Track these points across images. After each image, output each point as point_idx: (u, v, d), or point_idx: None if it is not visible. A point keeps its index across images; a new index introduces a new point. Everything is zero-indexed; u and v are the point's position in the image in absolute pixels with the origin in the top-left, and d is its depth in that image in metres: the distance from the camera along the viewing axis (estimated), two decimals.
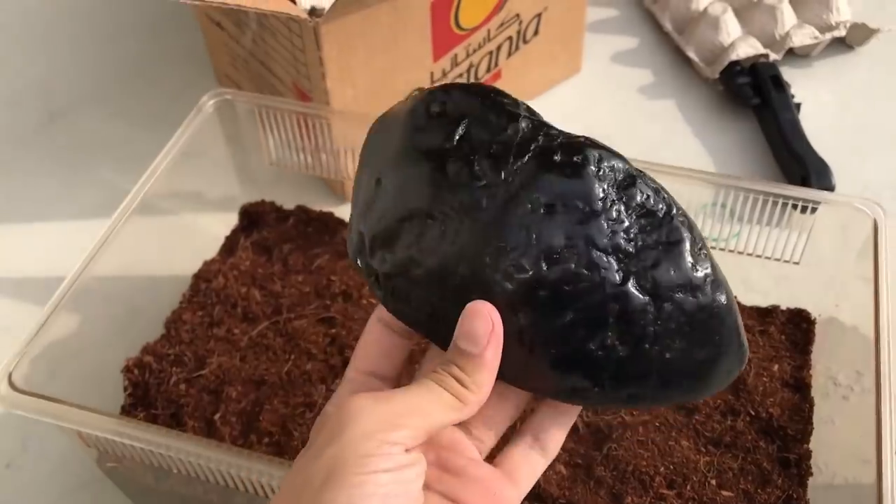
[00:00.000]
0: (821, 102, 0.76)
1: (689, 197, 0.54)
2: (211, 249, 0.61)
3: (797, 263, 0.55)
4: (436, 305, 0.34)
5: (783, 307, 0.56)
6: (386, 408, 0.31)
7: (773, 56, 0.76)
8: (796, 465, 0.48)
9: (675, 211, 0.32)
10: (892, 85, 0.78)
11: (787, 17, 0.78)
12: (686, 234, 0.32)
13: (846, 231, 0.52)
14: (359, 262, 0.36)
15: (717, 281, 0.32)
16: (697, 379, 0.33)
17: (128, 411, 0.51)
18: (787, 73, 0.76)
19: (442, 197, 0.33)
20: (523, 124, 0.33)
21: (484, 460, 0.35)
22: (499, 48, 0.70)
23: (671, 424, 0.49)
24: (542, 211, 0.32)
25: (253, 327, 0.54)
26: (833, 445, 0.50)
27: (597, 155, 0.32)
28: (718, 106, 0.76)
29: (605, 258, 0.31)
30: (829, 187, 0.66)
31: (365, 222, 0.36)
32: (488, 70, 0.70)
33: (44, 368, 0.48)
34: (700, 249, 0.32)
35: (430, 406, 0.32)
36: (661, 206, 0.32)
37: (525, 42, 0.71)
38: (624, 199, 0.32)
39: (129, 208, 0.54)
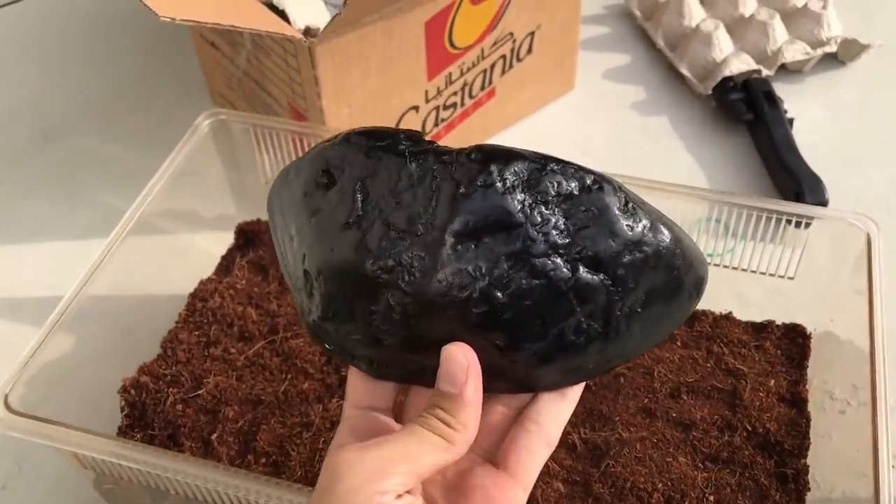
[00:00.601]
0: (813, 117, 0.76)
1: (684, 213, 0.54)
2: (207, 268, 0.61)
3: (791, 278, 0.55)
4: (413, 361, 0.35)
5: (778, 322, 0.56)
6: (374, 457, 0.31)
7: (765, 72, 0.76)
8: (794, 481, 0.48)
9: (588, 181, 0.32)
10: (884, 99, 0.78)
11: (779, 33, 0.79)
12: (608, 199, 0.32)
13: (840, 246, 0.53)
14: (327, 346, 0.36)
15: (653, 225, 0.33)
16: (676, 307, 0.35)
17: (125, 432, 0.51)
18: (780, 89, 0.76)
19: (376, 270, 0.33)
20: (412, 166, 0.33)
21: (485, 460, 0.35)
22: (493, 66, 0.70)
23: (668, 440, 0.49)
24: (472, 246, 0.32)
25: (249, 347, 0.54)
26: (830, 460, 0.50)
27: (496, 169, 0.32)
28: (711, 122, 0.76)
29: (547, 261, 0.32)
30: (823, 202, 0.66)
31: (312, 304, 0.36)
32: (482, 88, 0.71)
33: (40, 389, 0.48)
34: (627, 204, 0.33)
35: (418, 450, 0.32)
36: (573, 183, 0.32)
37: (519, 60, 0.72)
38: (539, 198, 0.32)
39: (125, 228, 0.54)
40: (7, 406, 0.44)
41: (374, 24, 0.59)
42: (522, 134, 0.76)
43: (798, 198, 0.66)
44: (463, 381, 0.32)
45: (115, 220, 0.55)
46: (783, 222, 0.53)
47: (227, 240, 0.64)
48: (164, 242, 0.60)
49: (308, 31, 0.65)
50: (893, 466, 0.53)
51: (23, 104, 0.81)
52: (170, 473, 0.42)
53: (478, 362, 0.33)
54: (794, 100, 0.76)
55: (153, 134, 0.76)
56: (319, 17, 0.67)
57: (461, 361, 0.33)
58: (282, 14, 0.65)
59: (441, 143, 0.59)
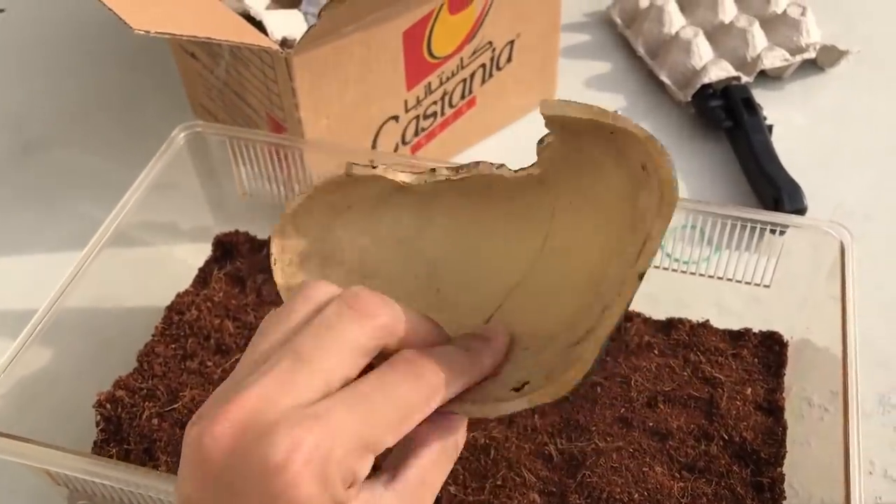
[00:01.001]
0: (793, 124, 0.76)
1: None
2: (184, 281, 0.61)
3: (768, 286, 0.55)
4: None
5: (755, 330, 0.56)
6: None
7: (744, 78, 0.77)
8: (770, 490, 0.48)
9: None
10: (863, 105, 0.78)
11: (758, 40, 0.79)
12: None
13: (815, 254, 0.53)
14: None
15: None
16: None
17: (100, 447, 0.51)
18: (759, 96, 0.76)
19: None
20: None
21: None
22: (472, 76, 0.70)
23: (645, 450, 0.49)
24: None
25: (226, 360, 0.54)
26: (809, 466, 0.50)
27: None
28: (691, 129, 0.77)
29: None
30: (802, 208, 0.66)
31: None
32: (462, 97, 0.71)
33: (15, 403, 0.48)
34: None
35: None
36: None
37: (499, 69, 0.72)
38: None
39: (101, 240, 0.54)
40: None
41: (351, 35, 0.59)
42: (503, 142, 0.76)
43: (777, 204, 0.66)
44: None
45: (95, 233, 0.54)
46: (758, 230, 0.53)
47: (204, 251, 0.63)
48: (141, 254, 0.60)
49: (285, 43, 0.65)
50: (869, 472, 0.54)
51: (2, 117, 0.81)
52: (143, 490, 0.42)
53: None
54: (774, 106, 0.77)
55: (134, 145, 0.76)
56: (297, 28, 0.67)
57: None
58: (259, 25, 0.65)
59: (422, 152, 0.60)
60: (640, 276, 0.35)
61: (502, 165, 0.40)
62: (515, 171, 0.40)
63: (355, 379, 0.31)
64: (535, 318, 0.40)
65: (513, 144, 0.75)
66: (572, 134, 0.37)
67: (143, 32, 0.51)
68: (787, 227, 0.52)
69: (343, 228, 0.42)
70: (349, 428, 0.28)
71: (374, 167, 0.39)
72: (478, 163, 0.40)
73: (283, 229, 0.41)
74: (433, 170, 0.40)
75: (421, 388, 0.32)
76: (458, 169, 0.40)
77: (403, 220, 0.42)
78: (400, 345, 0.33)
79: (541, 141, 0.39)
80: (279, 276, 0.41)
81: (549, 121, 0.37)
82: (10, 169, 0.76)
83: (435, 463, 0.33)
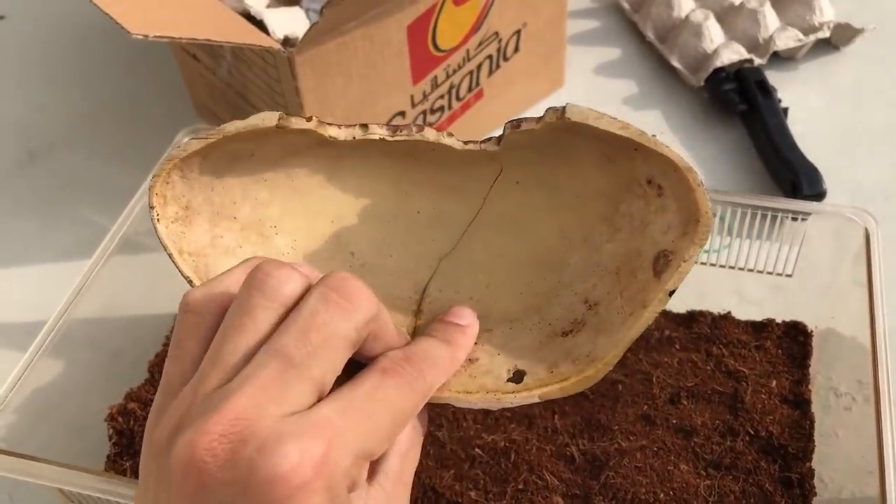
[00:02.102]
0: (808, 105, 0.75)
1: None
2: None
3: (790, 276, 0.54)
4: None
5: (778, 321, 0.55)
6: None
7: (757, 60, 0.75)
8: (799, 485, 0.46)
9: None
10: (880, 84, 0.77)
11: (770, 21, 0.77)
12: None
13: (838, 241, 0.51)
14: None
15: None
16: None
17: (114, 460, 0.50)
18: (773, 77, 0.75)
19: None
20: None
21: None
22: (479, 67, 0.69)
23: (669, 448, 0.48)
24: None
25: None
26: (838, 458, 0.49)
27: None
28: (704, 114, 0.75)
29: None
30: (821, 192, 0.64)
31: None
32: (470, 90, 0.69)
33: (26, 418, 0.48)
34: None
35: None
36: None
37: (506, 59, 0.71)
38: None
39: (108, 248, 0.53)
40: None
41: (354, 31, 0.58)
42: None
43: (795, 189, 0.65)
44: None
45: (102, 240, 0.54)
46: (779, 218, 0.52)
47: None
48: (148, 261, 0.58)
49: (287, 41, 0.63)
50: None
51: (8, 124, 0.80)
52: None
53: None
54: (788, 88, 0.75)
55: (139, 150, 0.75)
56: (298, 26, 0.66)
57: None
58: (260, 24, 0.64)
59: None
60: (670, 294, 0.35)
61: (451, 135, 0.37)
62: (465, 143, 0.37)
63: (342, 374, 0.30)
64: (479, 292, 0.39)
65: None
66: (572, 133, 0.36)
67: (141, 37, 0.50)
68: (808, 214, 0.51)
69: (237, 177, 0.37)
70: (351, 438, 0.27)
71: (308, 119, 0.35)
72: (422, 127, 0.37)
73: (167, 176, 0.35)
74: (365, 126, 0.36)
75: (415, 395, 0.31)
76: (396, 129, 0.36)
77: (314, 175, 0.38)
78: (376, 334, 0.31)
79: (517, 124, 0.36)
80: (165, 238, 0.36)
81: (575, 127, 0.35)
82: (15, 177, 0.75)
83: (409, 453, 0.33)
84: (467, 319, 0.37)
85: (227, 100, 0.69)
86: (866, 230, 0.49)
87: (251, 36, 0.55)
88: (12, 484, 0.55)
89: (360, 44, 0.59)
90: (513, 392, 0.36)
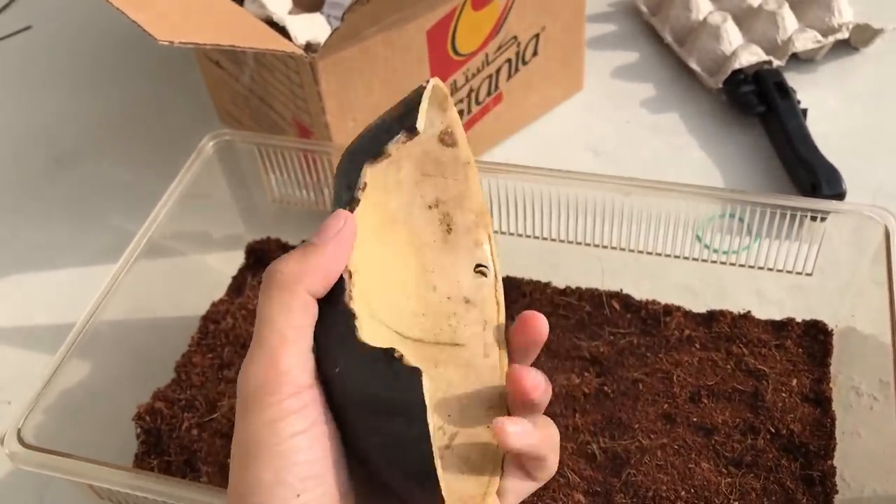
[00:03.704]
0: (827, 107, 0.75)
1: (697, 212, 0.53)
2: (219, 290, 0.61)
3: (810, 274, 0.54)
4: None
5: (798, 319, 0.55)
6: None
7: (776, 62, 0.75)
8: (821, 483, 0.47)
9: None
10: None
11: (789, 22, 0.77)
12: None
13: (858, 239, 0.51)
14: None
15: None
16: None
17: (141, 459, 0.51)
18: (792, 79, 0.75)
19: None
20: None
21: None
22: (498, 71, 0.69)
23: (690, 446, 0.48)
24: None
25: None
26: (859, 457, 0.49)
27: None
28: (723, 116, 0.75)
29: None
30: (841, 193, 0.64)
31: None
32: (489, 94, 0.70)
33: (56, 418, 0.48)
34: None
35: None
36: None
37: (524, 63, 0.71)
38: None
39: (134, 252, 0.54)
40: (21, 440, 0.44)
41: (374, 36, 0.59)
42: (531, 138, 0.75)
43: (815, 190, 0.65)
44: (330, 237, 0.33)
45: (128, 244, 0.55)
46: (798, 218, 0.52)
47: (237, 260, 0.63)
48: (174, 265, 0.60)
49: (309, 47, 0.64)
50: None
51: (36, 132, 0.82)
52: (185, 502, 0.41)
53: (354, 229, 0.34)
54: (807, 90, 0.75)
55: (164, 155, 0.76)
56: (320, 32, 0.66)
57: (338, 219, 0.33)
58: (282, 31, 0.64)
59: None
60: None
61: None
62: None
63: None
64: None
65: (540, 139, 0.75)
66: None
67: (167, 43, 0.51)
68: (828, 213, 0.51)
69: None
70: None
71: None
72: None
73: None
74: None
75: None
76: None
77: None
78: None
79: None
80: None
81: None
82: (42, 184, 0.77)
83: None
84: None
85: (251, 105, 0.70)
86: (886, 228, 0.49)
87: (274, 42, 0.56)
88: (43, 483, 0.56)
89: (381, 49, 0.60)
90: None
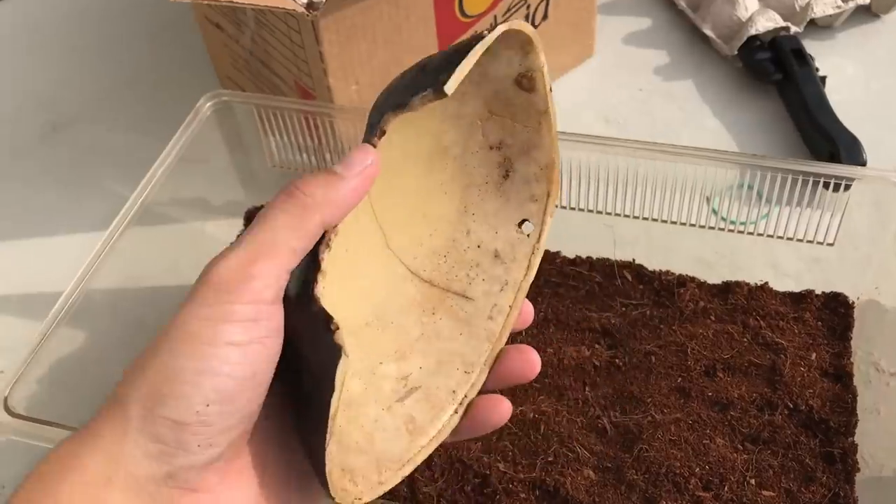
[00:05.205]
0: (846, 75, 0.72)
1: (714, 179, 0.51)
2: None
3: (831, 244, 0.52)
4: None
5: (818, 292, 0.53)
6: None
7: (793, 29, 0.73)
8: (841, 460, 0.45)
9: None
10: None
11: None
12: None
13: (882, 208, 0.49)
14: None
15: None
16: None
17: None
18: (810, 46, 0.72)
19: None
20: None
21: None
22: None
23: (705, 421, 0.46)
24: None
25: None
26: (878, 435, 0.47)
27: None
28: (738, 83, 0.73)
29: None
30: (861, 162, 0.62)
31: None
32: None
33: (46, 388, 0.47)
34: None
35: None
36: None
37: (535, 27, 0.69)
38: None
39: (126, 217, 0.52)
40: (7, 409, 0.42)
41: None
42: None
43: (833, 159, 0.63)
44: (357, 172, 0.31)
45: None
46: (820, 185, 0.49)
47: (236, 226, 0.62)
48: (171, 231, 0.58)
49: (311, 5, 0.62)
50: None
51: (31, 97, 0.80)
52: None
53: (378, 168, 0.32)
54: (826, 57, 0.73)
55: (163, 121, 0.73)
56: None
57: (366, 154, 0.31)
58: None
59: None
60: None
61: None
62: None
63: None
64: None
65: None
66: None
67: None
68: (851, 179, 0.49)
69: None
70: None
71: None
72: None
73: None
74: None
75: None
76: None
77: None
78: None
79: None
80: None
81: None
82: (38, 149, 0.75)
83: None
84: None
85: (251, 69, 0.68)
86: None
87: None
88: (32, 454, 0.54)
89: (386, 7, 0.57)
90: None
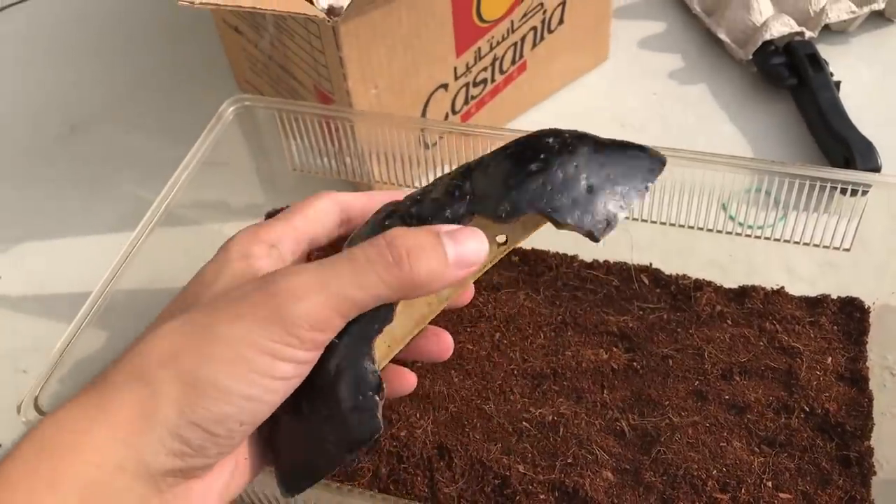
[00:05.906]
0: (861, 80, 0.73)
1: (730, 184, 0.51)
2: None
3: (847, 250, 0.52)
4: None
5: (834, 296, 0.53)
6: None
7: (808, 34, 0.73)
8: (857, 464, 0.45)
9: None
10: None
11: None
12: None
13: None
14: None
15: None
16: None
17: None
18: (825, 51, 0.73)
19: None
20: None
21: None
22: (523, 39, 0.67)
23: (722, 424, 0.47)
24: None
25: None
26: (894, 439, 0.48)
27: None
28: (753, 88, 0.73)
29: None
30: (876, 168, 0.63)
31: None
32: (513, 62, 0.68)
33: (72, 388, 0.47)
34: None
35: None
36: None
37: (550, 31, 0.69)
38: None
39: (151, 220, 0.53)
40: (37, 408, 0.43)
41: (398, 1, 0.57)
42: (556, 108, 0.73)
43: (848, 164, 0.63)
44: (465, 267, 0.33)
45: (144, 212, 0.53)
46: (836, 191, 0.50)
47: None
48: (193, 233, 0.58)
49: (331, 11, 0.62)
50: None
51: (50, 99, 0.81)
52: None
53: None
54: (840, 62, 0.73)
55: (181, 123, 0.74)
56: None
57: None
58: None
59: (473, 120, 0.57)
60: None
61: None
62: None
63: None
64: None
65: (565, 110, 0.73)
66: None
67: (186, 4, 0.50)
68: (868, 185, 0.49)
69: None
70: None
71: None
72: None
73: None
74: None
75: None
76: None
77: None
78: None
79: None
80: None
81: None
82: (57, 151, 0.75)
83: None
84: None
85: (270, 73, 0.69)
86: None
87: (295, 4, 0.54)
88: None
89: (405, 13, 0.58)
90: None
